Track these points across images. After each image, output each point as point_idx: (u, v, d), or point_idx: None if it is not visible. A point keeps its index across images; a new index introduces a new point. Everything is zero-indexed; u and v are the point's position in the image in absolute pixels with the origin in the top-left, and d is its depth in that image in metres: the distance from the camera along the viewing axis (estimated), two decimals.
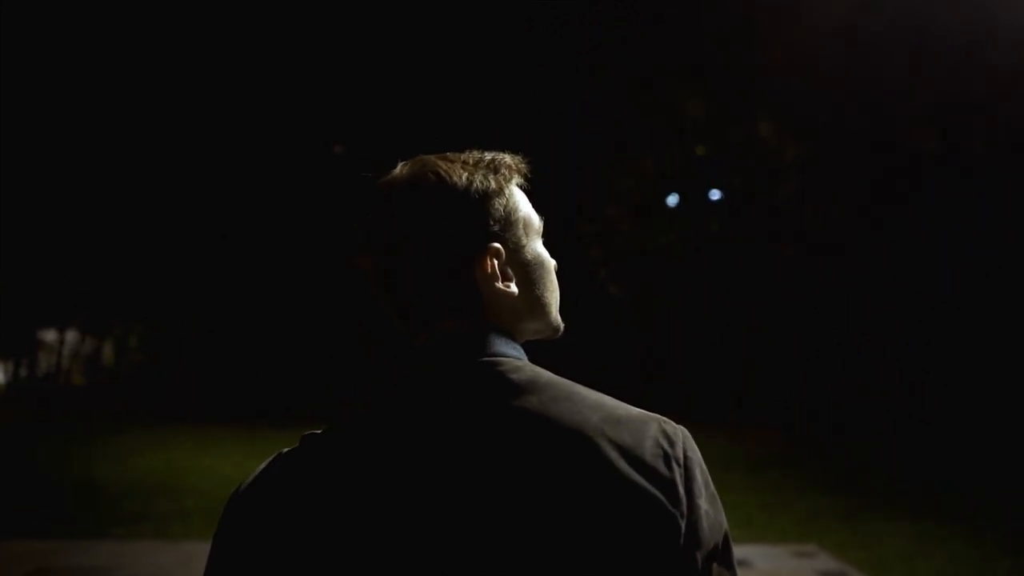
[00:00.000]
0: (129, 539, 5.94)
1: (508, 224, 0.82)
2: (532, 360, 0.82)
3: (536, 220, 0.87)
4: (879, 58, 15.24)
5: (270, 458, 0.76)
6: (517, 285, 0.81)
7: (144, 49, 21.56)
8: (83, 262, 23.54)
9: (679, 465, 0.72)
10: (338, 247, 18.85)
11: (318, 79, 21.92)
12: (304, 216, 21.85)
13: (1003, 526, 6.87)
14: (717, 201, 18.98)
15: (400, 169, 0.83)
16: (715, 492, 0.75)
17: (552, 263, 0.87)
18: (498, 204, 0.81)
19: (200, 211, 23.00)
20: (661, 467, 0.70)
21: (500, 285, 0.79)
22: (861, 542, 6.19)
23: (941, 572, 5.39)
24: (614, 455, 0.69)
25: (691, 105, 17.65)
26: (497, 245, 0.80)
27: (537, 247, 0.86)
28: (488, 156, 0.83)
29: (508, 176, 0.83)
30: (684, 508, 0.69)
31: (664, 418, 0.76)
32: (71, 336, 28.68)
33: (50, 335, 28.43)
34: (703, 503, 0.71)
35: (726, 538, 0.73)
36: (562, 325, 0.88)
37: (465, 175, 0.80)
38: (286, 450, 0.76)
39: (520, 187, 0.86)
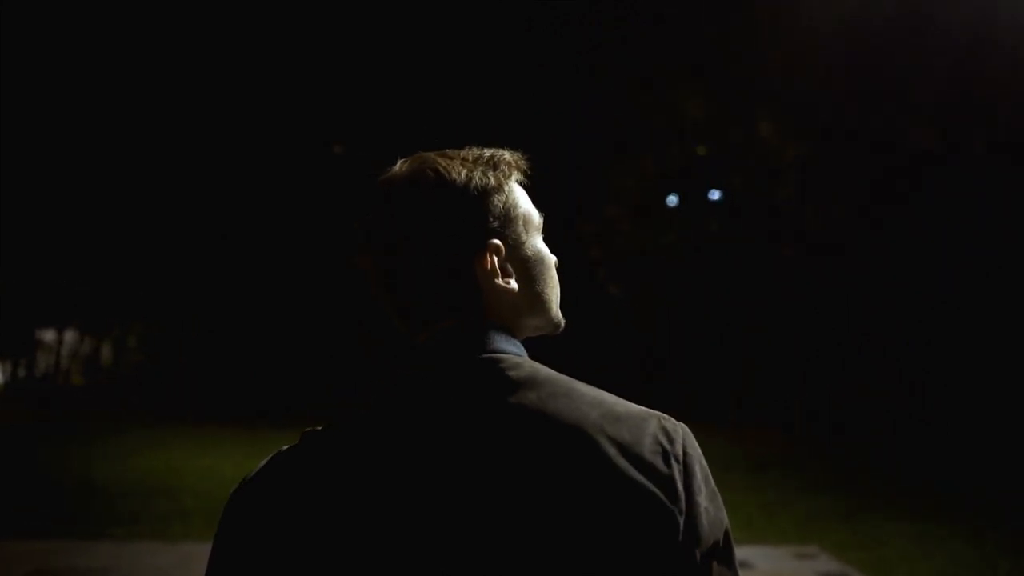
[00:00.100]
0: (128, 540, 5.93)
1: (508, 220, 0.82)
2: (532, 360, 0.81)
3: (536, 216, 0.87)
4: (879, 58, 15.24)
5: (269, 456, 0.76)
6: (517, 281, 0.81)
7: (144, 49, 21.56)
8: (82, 262, 23.53)
9: (678, 462, 0.72)
10: (338, 247, 18.85)
11: (318, 79, 21.91)
12: (304, 216, 21.85)
13: (1003, 526, 6.86)
14: (717, 201, 18.98)
15: (399, 166, 0.83)
16: (716, 489, 0.75)
17: (552, 259, 0.87)
18: (497, 200, 0.81)
19: (200, 211, 23.00)
20: (660, 464, 0.70)
21: (500, 282, 0.80)
22: (862, 543, 6.18)
23: (942, 573, 5.39)
24: (612, 452, 0.69)
25: (691, 105, 17.65)
26: (497, 242, 0.80)
27: (537, 243, 0.86)
28: (487, 152, 0.84)
29: (507, 172, 0.83)
30: (683, 505, 0.69)
31: (664, 415, 0.76)
32: (70, 336, 28.67)
33: (48, 335, 28.41)
34: (702, 500, 0.71)
35: (727, 535, 0.73)
36: (563, 321, 0.88)
37: (464, 172, 0.80)
38: (285, 448, 0.76)
39: (520, 183, 0.86)
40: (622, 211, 18.73)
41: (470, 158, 0.82)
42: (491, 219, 0.80)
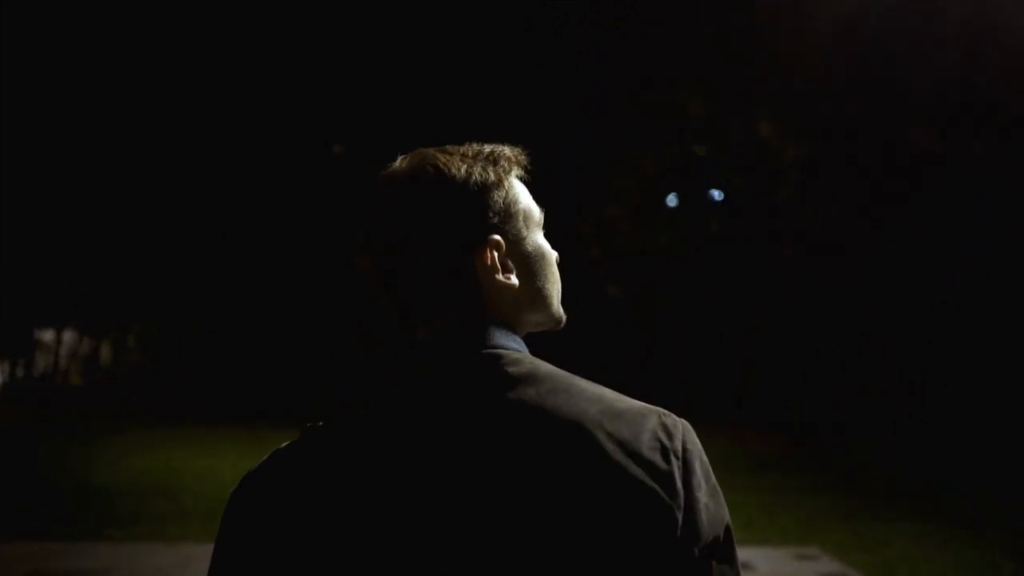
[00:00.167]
0: (127, 541, 5.92)
1: (508, 216, 0.81)
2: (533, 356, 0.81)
3: (536, 212, 0.87)
4: (879, 58, 15.26)
5: (269, 454, 0.76)
6: (518, 277, 0.81)
7: (144, 49, 21.56)
8: (81, 262, 23.53)
9: (677, 458, 0.71)
10: (338, 247, 18.86)
11: (318, 79, 21.92)
12: (304, 216, 21.86)
13: (1004, 526, 6.86)
14: (717, 201, 18.99)
15: (399, 162, 0.83)
16: (716, 485, 0.74)
17: (553, 255, 0.87)
18: (497, 196, 0.81)
19: (200, 211, 23.01)
20: (659, 460, 0.70)
21: (500, 277, 0.79)
22: (863, 543, 6.17)
23: (944, 575, 5.38)
24: (611, 448, 0.69)
25: (691, 105, 17.66)
26: (497, 237, 0.80)
27: (538, 239, 0.85)
28: (487, 148, 0.84)
29: (507, 168, 0.83)
30: (681, 501, 0.69)
31: (664, 411, 0.76)
32: (68, 336, 28.68)
33: (47, 335, 28.43)
34: (702, 496, 0.71)
35: (728, 532, 0.73)
36: (564, 317, 0.88)
37: (464, 167, 0.80)
38: (284, 445, 0.76)
39: (520, 179, 0.86)
40: (622, 211, 18.75)
41: (470, 154, 0.82)
42: (491, 215, 0.80)
